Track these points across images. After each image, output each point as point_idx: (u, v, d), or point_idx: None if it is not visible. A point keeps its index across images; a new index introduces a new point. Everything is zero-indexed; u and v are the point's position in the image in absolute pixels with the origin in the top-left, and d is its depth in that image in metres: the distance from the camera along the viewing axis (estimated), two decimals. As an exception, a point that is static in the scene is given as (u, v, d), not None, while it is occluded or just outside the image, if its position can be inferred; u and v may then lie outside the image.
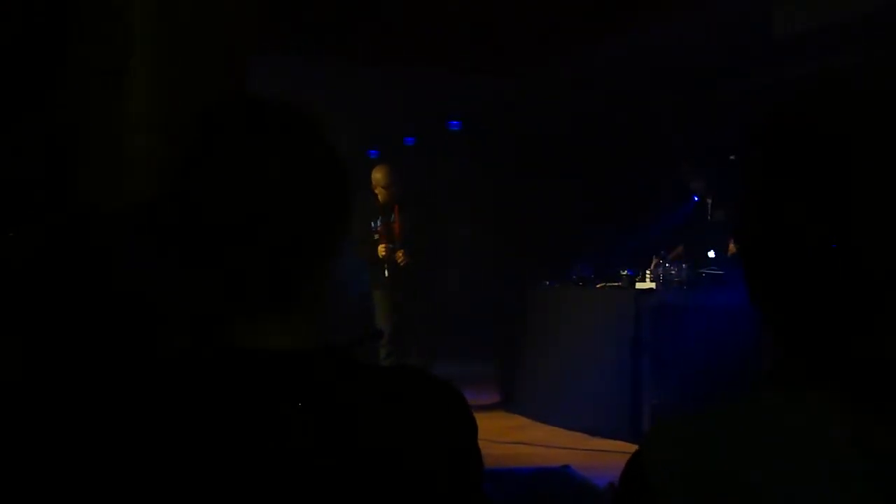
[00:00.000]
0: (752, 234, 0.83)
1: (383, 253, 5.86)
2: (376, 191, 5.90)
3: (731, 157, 6.26)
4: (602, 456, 4.80)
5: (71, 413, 0.89)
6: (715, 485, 0.78)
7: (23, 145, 1.82)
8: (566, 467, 4.40)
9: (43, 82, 2.00)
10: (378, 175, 5.89)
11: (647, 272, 5.64)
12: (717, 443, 0.80)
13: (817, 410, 0.78)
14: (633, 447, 0.86)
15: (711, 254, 5.88)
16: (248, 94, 1.01)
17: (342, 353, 0.97)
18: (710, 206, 6.24)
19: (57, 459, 0.87)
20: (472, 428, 1.02)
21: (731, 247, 5.56)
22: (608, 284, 5.89)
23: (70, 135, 1.97)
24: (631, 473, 0.85)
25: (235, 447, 0.89)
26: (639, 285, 5.63)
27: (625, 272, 5.82)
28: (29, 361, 1.30)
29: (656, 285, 5.54)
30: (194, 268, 0.95)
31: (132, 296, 1.49)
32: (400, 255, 5.87)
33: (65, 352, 1.33)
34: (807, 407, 0.79)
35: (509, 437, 5.34)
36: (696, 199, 6.45)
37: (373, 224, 5.92)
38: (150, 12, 2.07)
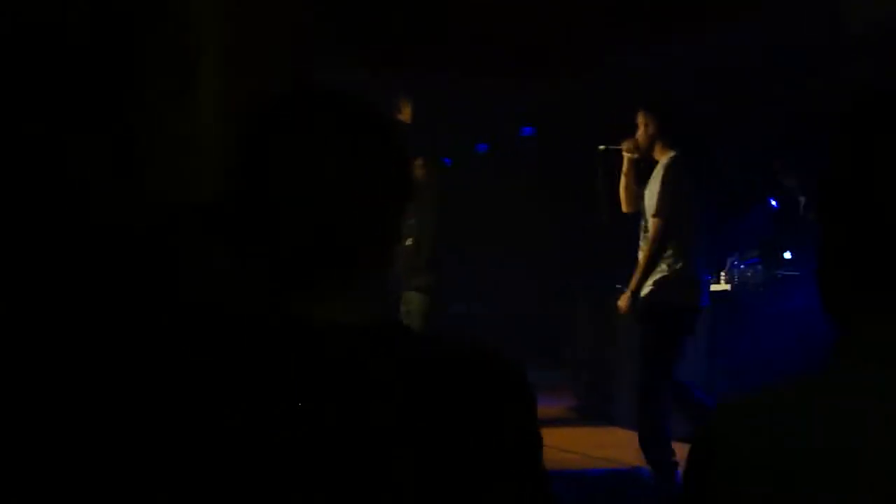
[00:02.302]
0: (838, 212, 0.84)
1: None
2: None
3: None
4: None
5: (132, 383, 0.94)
6: (785, 459, 0.78)
7: (96, 146, 1.90)
8: (637, 468, 4.37)
9: (115, 84, 2.08)
10: None
11: (722, 274, 5.56)
12: (787, 416, 0.81)
13: (890, 390, 0.78)
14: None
15: (788, 255, 5.76)
16: (303, 84, 1.05)
17: (401, 328, 1.00)
18: (802, 204, 6.08)
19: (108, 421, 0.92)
20: (531, 405, 1.02)
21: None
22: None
23: (141, 136, 2.04)
24: (699, 446, 0.86)
25: (303, 418, 0.91)
26: (713, 287, 5.55)
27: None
28: (99, 355, 1.35)
29: (731, 287, 5.45)
30: (262, 252, 0.99)
31: (202, 293, 1.54)
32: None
33: (133, 344, 1.38)
34: (879, 384, 0.79)
35: (584, 441, 5.32)
36: (771, 201, 6.32)
37: None
38: (217, 15, 2.14)
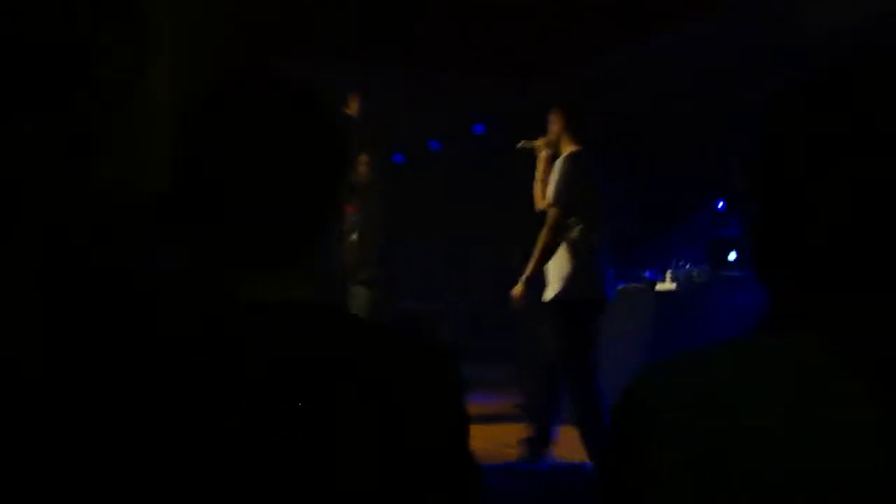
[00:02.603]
0: (770, 192, 0.89)
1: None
2: None
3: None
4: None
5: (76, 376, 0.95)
6: (706, 416, 0.81)
7: (45, 141, 1.88)
8: (581, 464, 4.42)
9: (66, 79, 2.06)
10: None
11: (668, 273, 5.65)
12: (709, 375, 0.84)
13: (807, 352, 0.83)
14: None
15: (732, 256, 5.87)
16: (242, 70, 1.07)
17: (334, 307, 1.01)
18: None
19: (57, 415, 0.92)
20: (456, 389, 1.03)
21: None
22: (629, 286, 5.90)
23: (92, 131, 2.03)
24: (621, 406, 0.89)
25: (226, 393, 0.92)
26: (659, 287, 5.64)
27: (644, 274, 5.84)
28: (48, 346, 1.35)
29: (677, 286, 5.55)
30: (199, 228, 1.01)
31: (150, 284, 1.55)
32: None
33: (80, 335, 1.37)
34: (797, 348, 0.83)
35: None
36: (719, 202, 6.43)
37: None
38: (172, 10, 2.14)
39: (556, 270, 4.32)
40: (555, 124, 4.52)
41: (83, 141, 2.06)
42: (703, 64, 7.04)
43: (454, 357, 1.05)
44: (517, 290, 4.33)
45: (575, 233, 4.30)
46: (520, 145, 4.70)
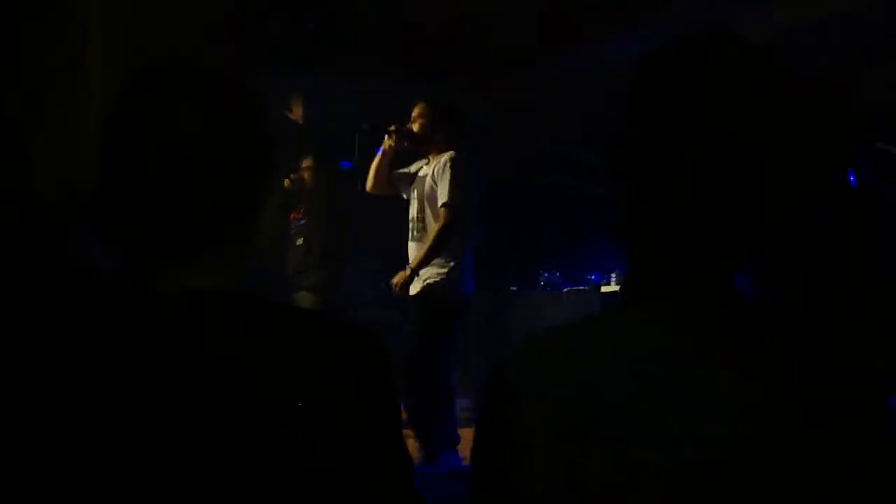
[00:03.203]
0: (632, 168, 0.92)
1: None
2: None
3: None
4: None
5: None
6: (566, 384, 0.86)
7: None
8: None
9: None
10: None
11: (613, 276, 5.71)
12: (572, 346, 0.90)
13: (640, 323, 0.90)
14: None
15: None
16: (171, 57, 1.06)
17: (255, 296, 1.00)
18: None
19: None
20: (384, 371, 1.02)
21: None
22: (575, 289, 5.96)
23: (22, 131, 2.00)
24: (492, 381, 0.93)
25: (144, 375, 0.92)
26: (604, 289, 5.70)
27: (590, 277, 5.90)
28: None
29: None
30: (120, 219, 1.00)
31: (77, 280, 1.52)
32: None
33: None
34: (648, 315, 0.90)
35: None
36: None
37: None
38: (103, 9, 2.11)
39: (437, 269, 4.40)
40: (425, 120, 4.54)
41: (10, 140, 2.02)
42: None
43: (379, 336, 1.05)
44: (399, 278, 4.38)
45: (459, 234, 4.42)
46: (366, 126, 4.69)
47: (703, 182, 0.86)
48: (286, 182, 5.03)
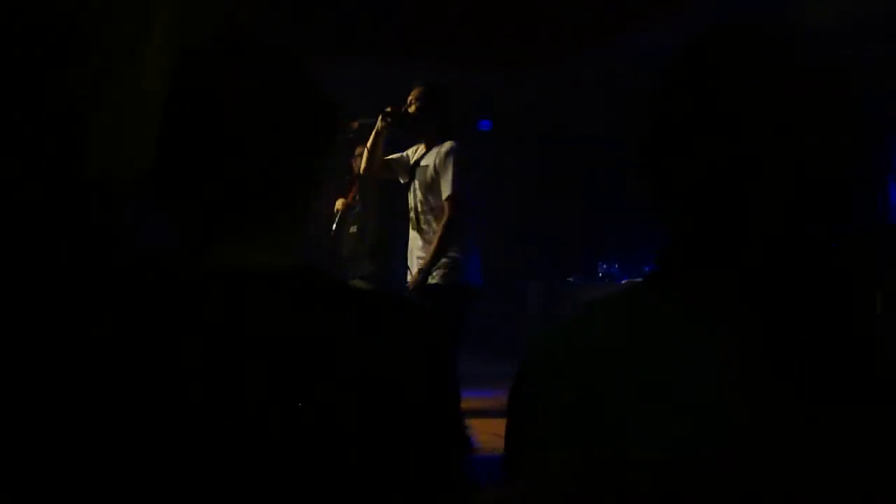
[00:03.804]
0: (669, 149, 0.91)
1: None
2: None
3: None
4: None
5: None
6: (587, 361, 0.88)
7: (36, 121, 1.83)
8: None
9: (58, 57, 2.01)
10: None
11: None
12: (594, 325, 0.92)
13: (671, 303, 0.91)
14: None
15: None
16: (226, 33, 1.05)
17: (316, 272, 0.99)
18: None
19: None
20: (444, 353, 1.01)
21: None
22: (633, 280, 5.88)
23: (85, 110, 1.97)
24: (523, 367, 0.95)
25: (207, 359, 0.91)
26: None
27: (648, 269, 5.81)
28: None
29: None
30: (178, 197, 1.00)
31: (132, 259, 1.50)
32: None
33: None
34: (664, 301, 0.92)
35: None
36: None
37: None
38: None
39: (446, 259, 4.39)
40: (421, 103, 4.47)
41: (67, 121, 2.01)
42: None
43: (439, 321, 1.05)
44: (414, 280, 4.38)
45: (465, 224, 4.42)
46: (356, 124, 4.61)
47: (734, 174, 0.87)
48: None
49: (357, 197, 5.38)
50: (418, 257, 4.48)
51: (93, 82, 2.01)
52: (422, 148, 4.59)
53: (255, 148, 0.98)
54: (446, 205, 4.35)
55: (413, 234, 4.55)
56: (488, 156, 8.83)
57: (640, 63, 7.37)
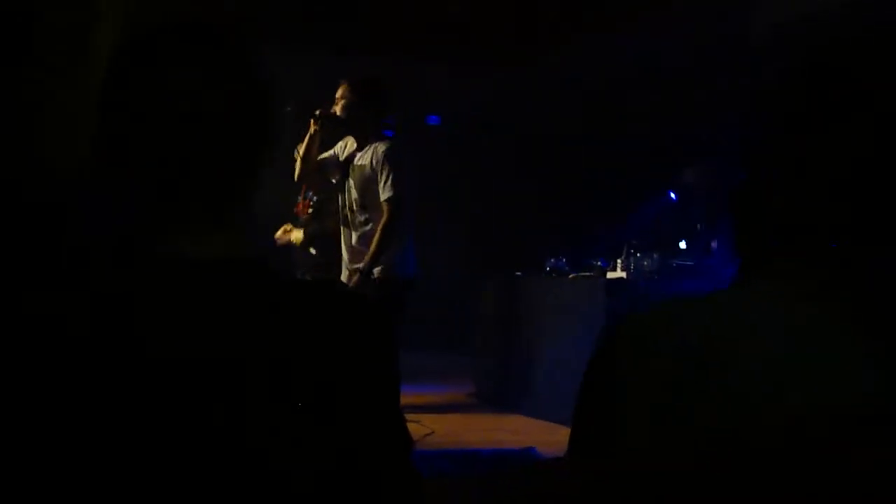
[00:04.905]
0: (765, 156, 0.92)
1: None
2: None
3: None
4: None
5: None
6: (684, 358, 0.83)
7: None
8: (530, 449, 4.44)
9: (8, 47, 2.03)
10: None
11: (619, 262, 5.69)
12: (689, 321, 0.86)
13: (794, 299, 0.86)
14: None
15: (683, 245, 5.93)
16: (170, 22, 1.04)
17: (259, 263, 1.00)
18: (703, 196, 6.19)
19: None
20: (388, 344, 1.02)
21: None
22: (580, 275, 5.94)
23: (35, 99, 2.01)
24: (602, 353, 0.91)
25: (151, 345, 0.91)
26: (609, 275, 5.69)
27: (597, 263, 5.88)
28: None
29: (627, 275, 5.59)
30: (118, 186, 1.00)
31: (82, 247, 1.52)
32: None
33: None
34: (786, 295, 0.87)
35: (481, 426, 5.38)
36: (670, 193, 6.49)
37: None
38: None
39: (387, 254, 4.50)
40: (347, 101, 4.50)
41: (26, 110, 2.04)
42: (656, 59, 7.12)
43: (381, 311, 1.05)
44: (355, 282, 4.44)
45: (403, 221, 4.52)
46: (317, 113, 4.57)
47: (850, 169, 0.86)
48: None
49: (311, 204, 5.40)
50: (351, 254, 4.53)
51: (42, 72, 2.05)
52: (351, 142, 4.57)
53: (195, 135, 0.97)
54: (385, 207, 4.40)
55: (345, 231, 4.58)
56: (443, 151, 8.88)
57: (601, 61, 7.47)
